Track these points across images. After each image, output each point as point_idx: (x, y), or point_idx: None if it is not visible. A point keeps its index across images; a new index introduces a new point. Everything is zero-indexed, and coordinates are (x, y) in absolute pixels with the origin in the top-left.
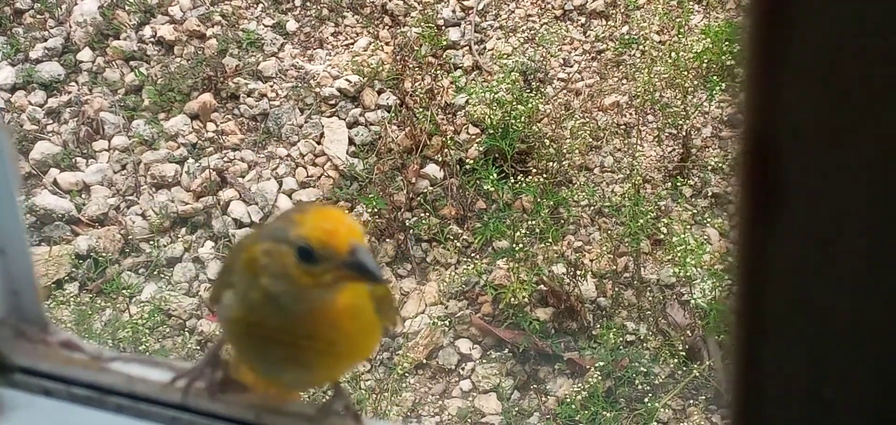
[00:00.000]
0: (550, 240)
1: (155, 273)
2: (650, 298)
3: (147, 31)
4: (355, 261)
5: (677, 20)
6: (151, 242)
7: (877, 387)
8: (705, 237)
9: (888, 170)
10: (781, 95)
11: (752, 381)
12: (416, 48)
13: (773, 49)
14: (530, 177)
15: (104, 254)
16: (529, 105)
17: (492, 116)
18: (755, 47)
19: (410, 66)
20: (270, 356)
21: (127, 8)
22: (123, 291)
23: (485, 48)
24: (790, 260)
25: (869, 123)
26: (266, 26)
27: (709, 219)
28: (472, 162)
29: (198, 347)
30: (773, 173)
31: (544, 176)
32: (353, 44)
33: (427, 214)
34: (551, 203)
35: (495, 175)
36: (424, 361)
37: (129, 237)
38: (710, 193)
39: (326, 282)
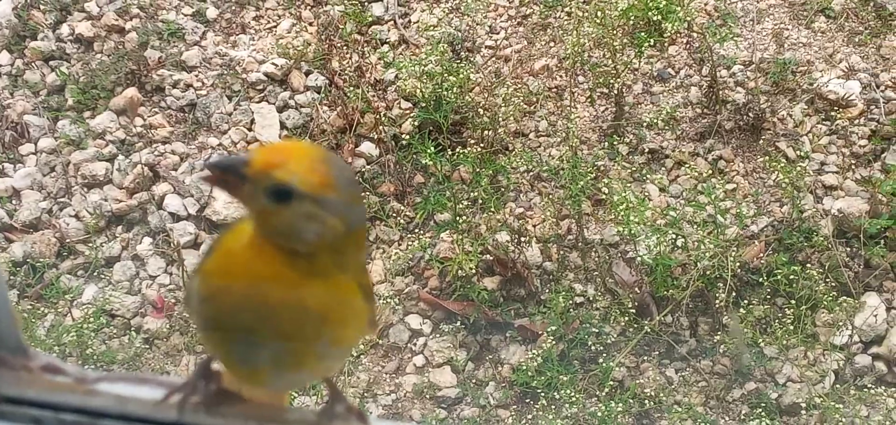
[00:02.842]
0: (492, 208)
1: (94, 274)
2: (596, 258)
3: (64, 29)
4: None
5: None
6: (88, 243)
7: None
8: (645, 193)
9: None
10: None
11: None
12: (340, 26)
13: None
14: (467, 148)
15: (41, 260)
16: (460, 75)
17: (423, 89)
18: None
19: (336, 44)
20: (238, 340)
21: (42, 7)
22: (64, 295)
23: (410, 21)
24: None
25: None
26: (185, 15)
27: (647, 175)
28: (407, 137)
29: (145, 346)
30: None
31: (481, 145)
32: (275, 26)
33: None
34: (490, 172)
35: (432, 148)
36: (376, 340)
37: (65, 240)
38: (646, 150)
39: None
